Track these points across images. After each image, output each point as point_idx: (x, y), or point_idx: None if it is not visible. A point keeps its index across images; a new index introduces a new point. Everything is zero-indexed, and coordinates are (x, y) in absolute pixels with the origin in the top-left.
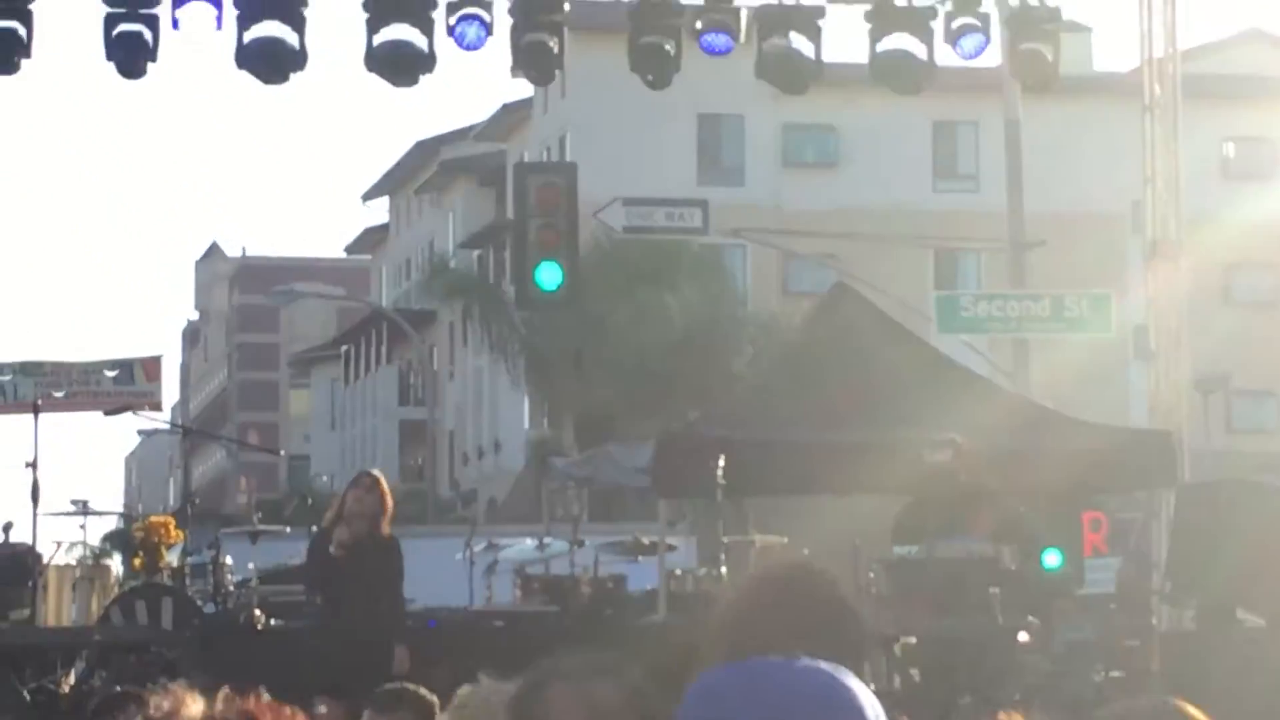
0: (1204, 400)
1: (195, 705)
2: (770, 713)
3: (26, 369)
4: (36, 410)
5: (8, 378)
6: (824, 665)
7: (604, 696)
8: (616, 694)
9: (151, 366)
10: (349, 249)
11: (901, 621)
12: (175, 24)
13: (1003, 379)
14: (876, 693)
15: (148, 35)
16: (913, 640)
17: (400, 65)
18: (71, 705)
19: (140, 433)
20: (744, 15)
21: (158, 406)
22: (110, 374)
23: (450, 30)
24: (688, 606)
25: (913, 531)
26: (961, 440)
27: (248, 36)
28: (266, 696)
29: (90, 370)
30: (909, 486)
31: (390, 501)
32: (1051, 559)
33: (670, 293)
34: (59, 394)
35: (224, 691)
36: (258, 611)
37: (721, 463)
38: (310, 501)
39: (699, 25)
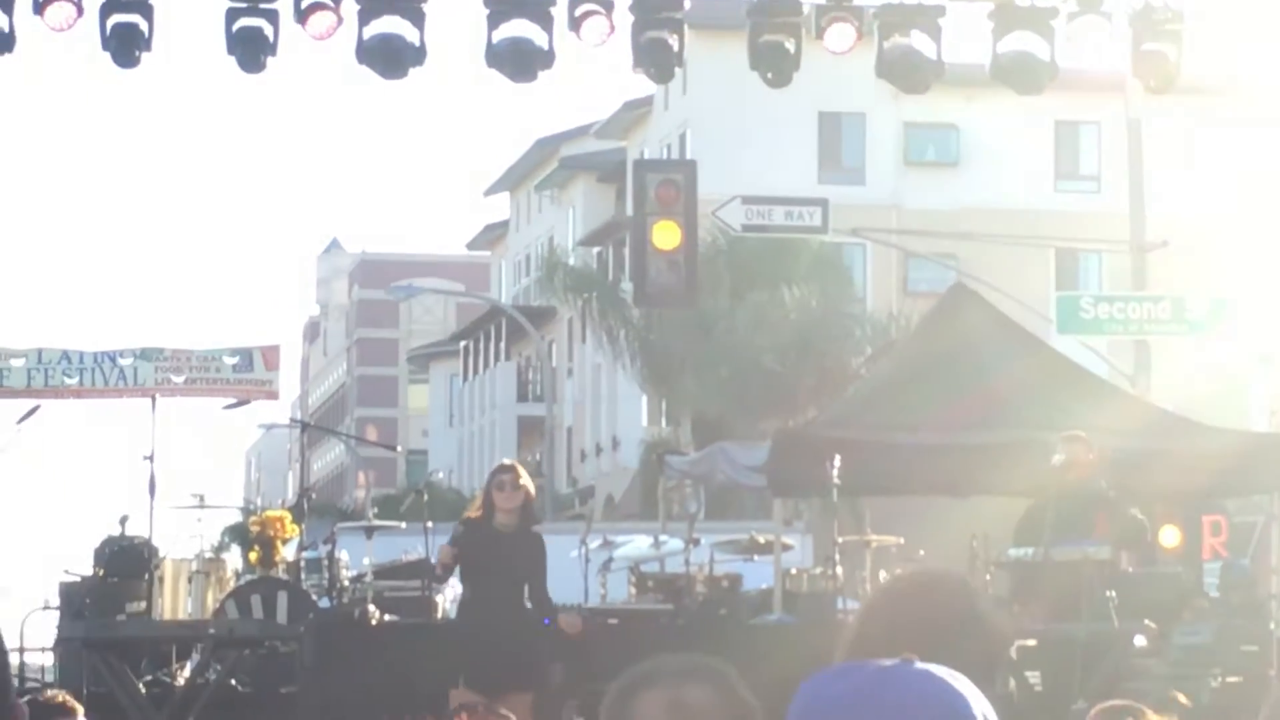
0: None
1: None
2: (876, 716)
3: (146, 354)
4: (154, 397)
5: (128, 362)
6: (937, 670)
7: (695, 699)
8: (708, 697)
9: (271, 355)
10: (469, 245)
11: (1017, 624)
12: (300, 18)
13: (1122, 382)
14: (990, 696)
15: (268, 30)
16: (1029, 643)
17: (520, 62)
18: (186, 698)
19: (261, 426)
20: (866, 13)
21: (275, 395)
22: (230, 361)
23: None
24: (803, 606)
25: (1032, 533)
26: (1086, 436)
27: (368, 32)
28: None
29: (210, 357)
30: (1028, 489)
31: (533, 492)
32: (1169, 537)
33: (788, 291)
34: (178, 379)
35: None
36: (372, 607)
37: (838, 462)
38: (426, 498)
39: (820, 23)
